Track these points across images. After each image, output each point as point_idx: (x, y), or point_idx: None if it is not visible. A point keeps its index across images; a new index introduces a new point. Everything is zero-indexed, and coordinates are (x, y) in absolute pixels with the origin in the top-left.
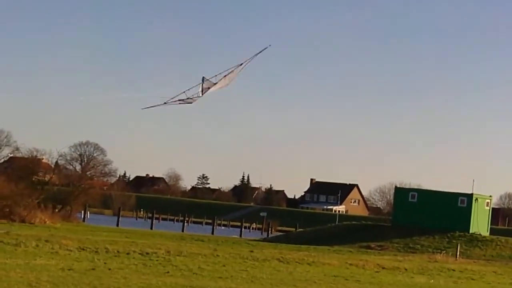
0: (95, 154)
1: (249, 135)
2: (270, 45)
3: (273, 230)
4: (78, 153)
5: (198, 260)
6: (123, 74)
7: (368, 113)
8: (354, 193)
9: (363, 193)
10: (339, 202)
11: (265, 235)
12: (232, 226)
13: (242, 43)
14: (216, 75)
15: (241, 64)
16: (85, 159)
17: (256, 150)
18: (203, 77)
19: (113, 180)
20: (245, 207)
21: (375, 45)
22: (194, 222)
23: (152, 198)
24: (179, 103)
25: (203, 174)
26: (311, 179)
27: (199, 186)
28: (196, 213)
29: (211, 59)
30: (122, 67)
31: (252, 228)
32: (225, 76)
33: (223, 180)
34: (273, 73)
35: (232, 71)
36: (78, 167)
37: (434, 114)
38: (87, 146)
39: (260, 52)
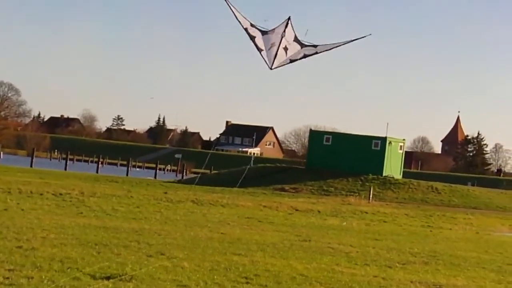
0: (9, 94)
1: (166, 76)
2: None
3: (187, 172)
4: None
5: (112, 201)
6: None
7: None
8: (269, 136)
9: (278, 136)
10: (254, 144)
11: (179, 177)
12: (147, 167)
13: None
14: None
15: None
16: None
17: (172, 92)
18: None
19: (27, 120)
20: (160, 149)
21: None
22: (109, 164)
23: (67, 139)
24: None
25: (119, 115)
26: (227, 121)
27: (114, 128)
28: (111, 155)
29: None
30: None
31: (167, 170)
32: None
33: (139, 121)
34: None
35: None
36: None
37: (352, 56)
38: (1, 86)
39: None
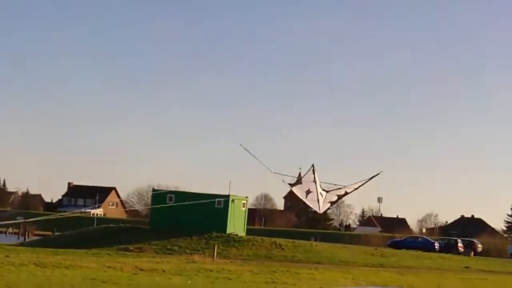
0: None
1: (6, 137)
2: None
3: (30, 234)
4: None
5: None
6: None
7: (122, 114)
8: (112, 196)
9: (121, 196)
10: (97, 205)
11: (22, 239)
12: None
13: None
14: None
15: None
16: None
17: (10, 154)
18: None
19: None
20: (1, 212)
21: None
22: None
23: None
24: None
25: None
26: (69, 183)
27: None
28: None
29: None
30: None
31: (9, 233)
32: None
33: None
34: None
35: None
36: None
37: (183, 119)
38: None
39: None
